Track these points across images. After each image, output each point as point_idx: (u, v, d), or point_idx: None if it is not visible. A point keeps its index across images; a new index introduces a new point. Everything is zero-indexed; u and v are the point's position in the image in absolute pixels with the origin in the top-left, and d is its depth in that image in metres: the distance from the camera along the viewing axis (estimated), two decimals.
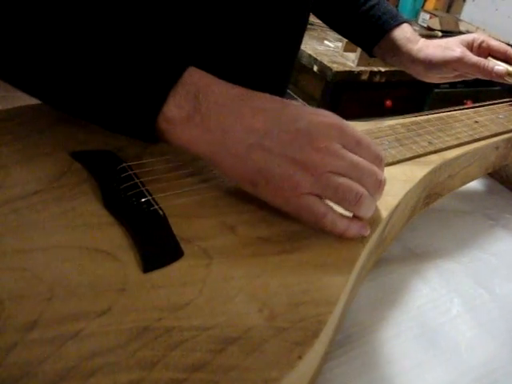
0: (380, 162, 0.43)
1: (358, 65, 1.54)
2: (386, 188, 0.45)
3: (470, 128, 0.64)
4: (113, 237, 0.38)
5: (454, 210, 0.68)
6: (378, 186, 0.41)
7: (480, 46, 0.74)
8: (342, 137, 0.40)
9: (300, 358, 0.31)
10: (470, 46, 0.74)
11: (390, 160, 0.54)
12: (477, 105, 0.70)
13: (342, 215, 0.42)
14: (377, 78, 1.59)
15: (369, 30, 0.79)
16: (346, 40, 1.63)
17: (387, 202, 0.49)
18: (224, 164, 0.40)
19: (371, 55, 0.81)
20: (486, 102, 0.71)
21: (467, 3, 2.32)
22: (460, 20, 2.28)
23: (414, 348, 0.46)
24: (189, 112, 0.39)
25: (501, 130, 0.65)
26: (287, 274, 0.39)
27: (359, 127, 0.61)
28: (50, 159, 0.45)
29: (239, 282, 0.37)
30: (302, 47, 1.59)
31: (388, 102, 1.75)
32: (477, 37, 0.74)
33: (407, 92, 1.78)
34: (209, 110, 0.39)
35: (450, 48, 0.73)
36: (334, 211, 0.42)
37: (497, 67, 0.71)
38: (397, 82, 1.66)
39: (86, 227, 0.39)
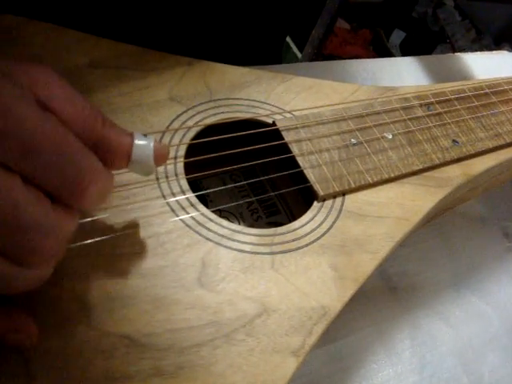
0: (81, 195, 0.21)
1: None
2: (363, 236, 0.27)
3: None
4: None
5: (460, 212, 0.49)
6: (21, 248, 0.20)
7: None
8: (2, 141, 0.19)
9: None
10: None
11: (386, 176, 0.35)
12: None
13: None
14: None
15: None
16: None
17: (359, 266, 0.30)
18: None
19: None
20: None
21: None
22: None
23: None
24: None
25: None
26: None
27: (360, 95, 0.40)
28: None
29: None
30: None
31: None
32: None
33: None
34: None
35: None
36: None
37: None
38: None
39: None
